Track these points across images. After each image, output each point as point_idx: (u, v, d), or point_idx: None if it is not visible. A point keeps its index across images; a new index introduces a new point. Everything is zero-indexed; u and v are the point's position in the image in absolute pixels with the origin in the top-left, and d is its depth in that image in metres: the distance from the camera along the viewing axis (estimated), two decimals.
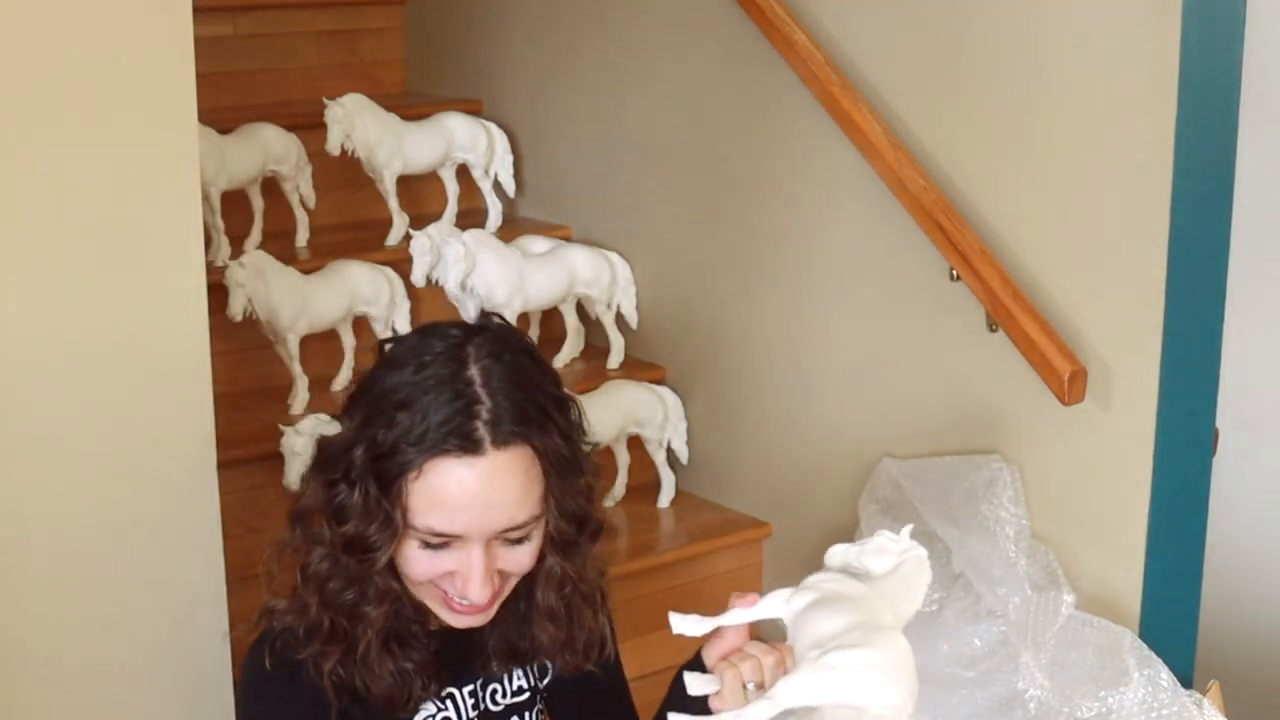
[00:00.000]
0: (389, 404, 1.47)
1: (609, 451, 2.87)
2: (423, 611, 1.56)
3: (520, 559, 1.51)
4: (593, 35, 3.18)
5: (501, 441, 1.45)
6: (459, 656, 1.60)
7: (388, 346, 1.53)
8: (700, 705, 1.42)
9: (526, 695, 1.67)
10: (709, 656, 1.47)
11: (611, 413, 2.82)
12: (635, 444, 2.93)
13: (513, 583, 1.54)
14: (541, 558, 1.54)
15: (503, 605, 1.58)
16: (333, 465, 1.49)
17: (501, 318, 1.58)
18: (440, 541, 1.47)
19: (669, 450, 2.95)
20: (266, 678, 1.52)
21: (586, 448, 1.56)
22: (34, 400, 1.77)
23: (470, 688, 1.63)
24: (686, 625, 1.45)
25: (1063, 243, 2.39)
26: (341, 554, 1.49)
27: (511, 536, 1.49)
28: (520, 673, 1.66)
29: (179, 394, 1.89)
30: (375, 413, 1.48)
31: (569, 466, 1.52)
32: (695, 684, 1.43)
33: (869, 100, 2.58)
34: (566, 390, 1.56)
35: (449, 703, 1.61)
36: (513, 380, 1.48)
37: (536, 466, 1.48)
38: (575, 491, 1.53)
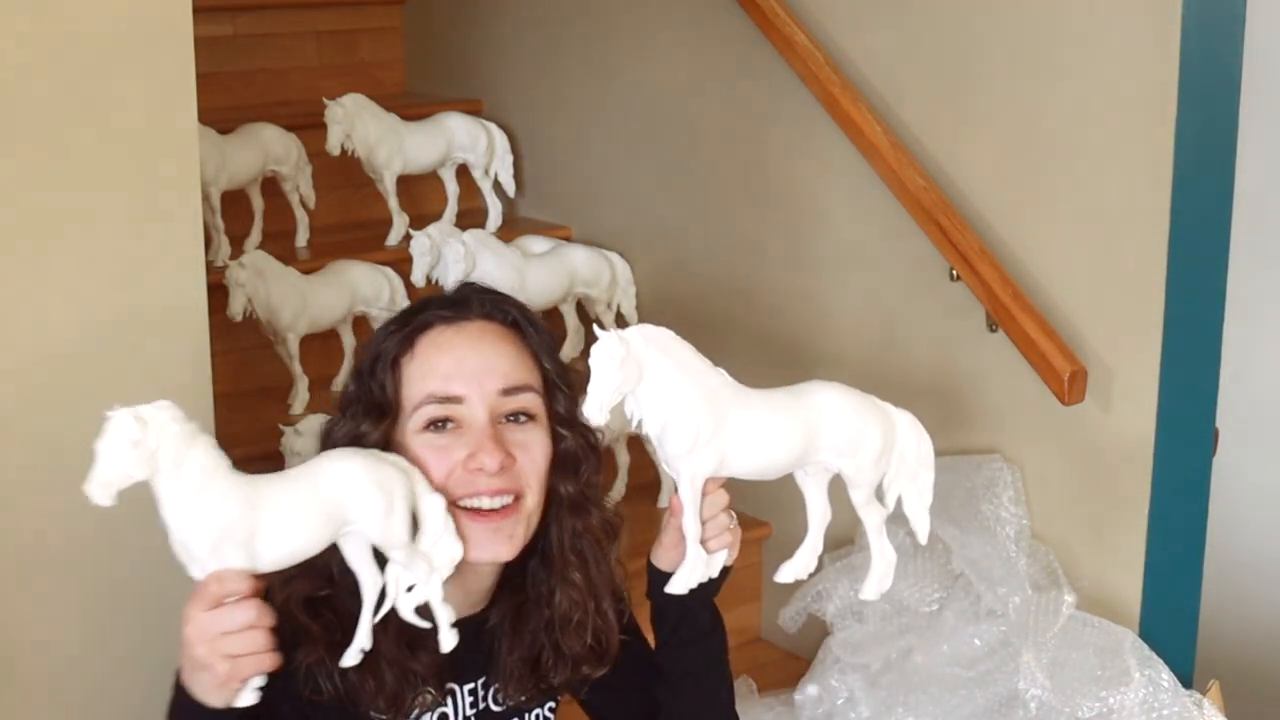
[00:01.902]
0: (385, 327, 1.59)
1: (609, 452, 2.87)
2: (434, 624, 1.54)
3: (526, 442, 1.54)
4: (593, 35, 3.18)
5: (485, 315, 1.57)
6: (464, 652, 1.57)
7: None
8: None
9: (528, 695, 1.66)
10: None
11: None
12: (635, 444, 2.93)
13: (530, 503, 1.54)
14: (557, 537, 1.59)
15: (523, 620, 1.58)
16: (326, 426, 1.60)
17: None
18: (442, 415, 1.51)
19: None
20: None
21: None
22: (34, 400, 1.77)
23: (471, 685, 1.62)
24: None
25: (1063, 243, 2.39)
26: None
27: (512, 406, 1.53)
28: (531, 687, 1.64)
29: (179, 394, 1.89)
30: (367, 347, 1.60)
31: (567, 378, 1.60)
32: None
33: (869, 100, 2.58)
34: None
35: (448, 699, 1.60)
36: (498, 294, 1.63)
37: (525, 344, 1.58)
38: (577, 417, 1.58)
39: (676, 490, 1.53)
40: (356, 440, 1.53)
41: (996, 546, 2.40)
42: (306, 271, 2.84)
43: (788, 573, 1.60)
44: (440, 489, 1.49)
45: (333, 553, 1.46)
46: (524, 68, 3.36)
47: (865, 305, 2.69)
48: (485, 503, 1.51)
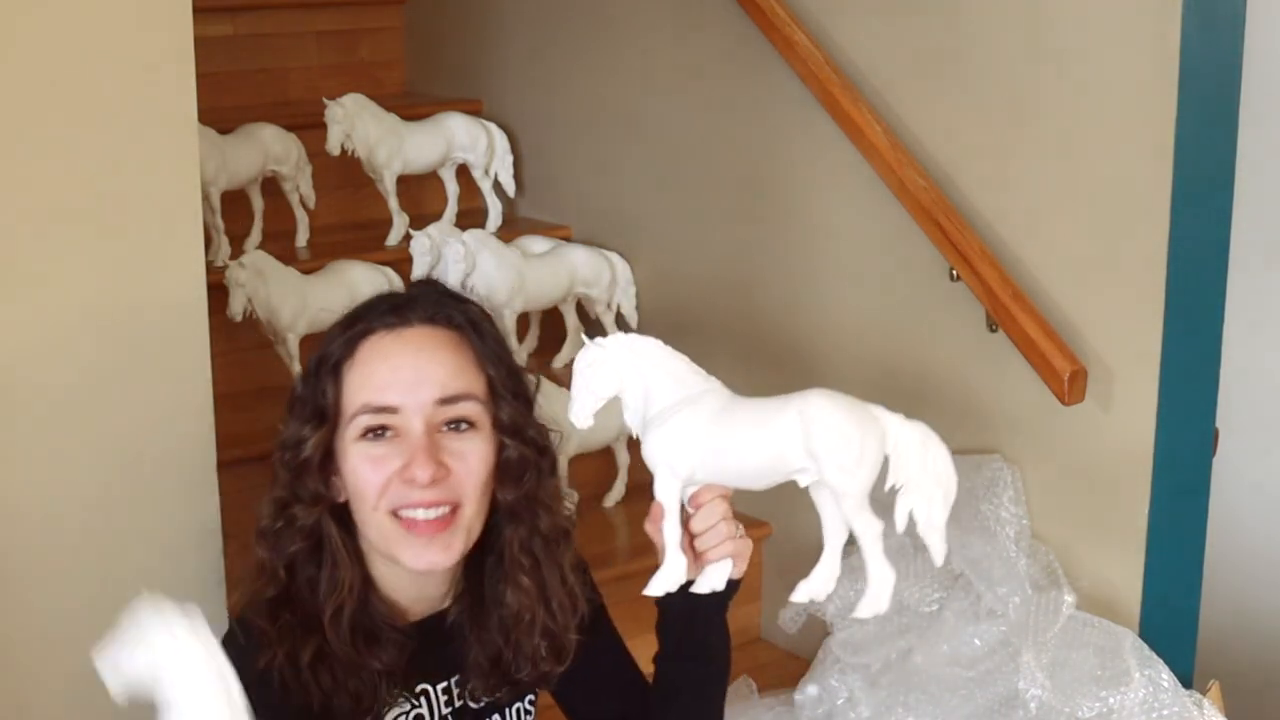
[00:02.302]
0: (334, 327, 1.57)
1: (609, 451, 2.87)
2: (394, 610, 1.55)
3: (464, 452, 1.51)
4: (593, 35, 3.18)
5: (428, 319, 1.54)
6: (434, 650, 1.58)
7: None
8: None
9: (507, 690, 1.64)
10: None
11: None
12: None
13: (468, 512, 1.52)
14: (508, 539, 1.57)
15: (481, 618, 1.57)
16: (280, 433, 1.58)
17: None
18: (378, 424, 1.50)
19: None
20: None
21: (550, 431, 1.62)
22: (34, 400, 1.77)
23: (444, 684, 1.61)
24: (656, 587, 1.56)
25: (1063, 243, 2.39)
26: (278, 470, 1.54)
27: (449, 415, 1.51)
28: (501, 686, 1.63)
29: (179, 394, 1.89)
30: (324, 342, 1.57)
31: (516, 383, 1.57)
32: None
33: (869, 101, 2.58)
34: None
35: (422, 699, 1.59)
36: (445, 291, 1.60)
37: (469, 350, 1.54)
38: (527, 419, 1.57)
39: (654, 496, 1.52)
40: (297, 445, 1.53)
41: (996, 546, 2.39)
42: (306, 271, 2.84)
43: (803, 593, 1.54)
44: (377, 499, 1.50)
45: (279, 552, 1.52)
46: (524, 68, 3.36)
47: (865, 305, 2.69)
48: (420, 514, 1.50)
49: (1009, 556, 2.39)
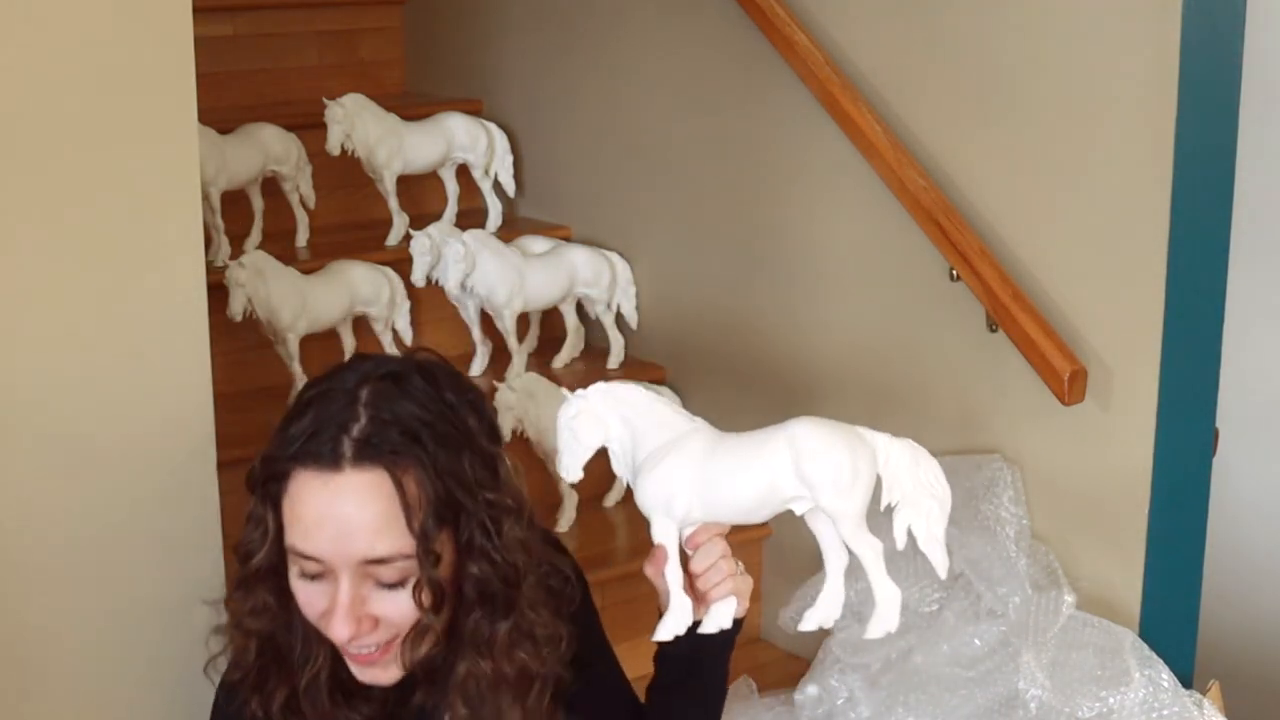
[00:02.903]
0: (290, 414, 1.43)
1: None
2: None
3: (392, 609, 1.40)
4: (593, 35, 3.18)
5: (361, 461, 1.37)
6: (399, 712, 1.51)
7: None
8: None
9: None
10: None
11: None
12: None
13: (405, 640, 1.42)
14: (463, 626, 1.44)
15: (437, 676, 1.47)
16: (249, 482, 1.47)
17: (436, 354, 1.50)
18: (311, 569, 1.39)
19: None
20: None
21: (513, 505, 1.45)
22: (33, 400, 1.77)
23: None
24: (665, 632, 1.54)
25: (1063, 243, 2.39)
26: (240, 568, 1.46)
27: (380, 576, 1.38)
28: None
29: (179, 394, 1.89)
30: (282, 423, 1.43)
31: (459, 511, 1.40)
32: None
33: (869, 100, 2.58)
34: (497, 448, 1.47)
35: None
36: (406, 410, 1.40)
37: (398, 500, 1.37)
38: (487, 548, 1.41)
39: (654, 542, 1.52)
40: (249, 554, 1.44)
41: (996, 546, 2.39)
42: (306, 271, 2.84)
43: (811, 620, 1.56)
44: (317, 624, 1.43)
45: (249, 632, 1.48)
46: (524, 68, 3.36)
47: (865, 305, 2.69)
48: (353, 649, 1.42)
49: (1009, 556, 2.39)
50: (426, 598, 1.39)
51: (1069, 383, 2.32)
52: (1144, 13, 2.24)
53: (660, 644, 1.61)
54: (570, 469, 1.48)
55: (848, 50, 2.64)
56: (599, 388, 1.50)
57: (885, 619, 1.51)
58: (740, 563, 1.54)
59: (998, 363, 2.45)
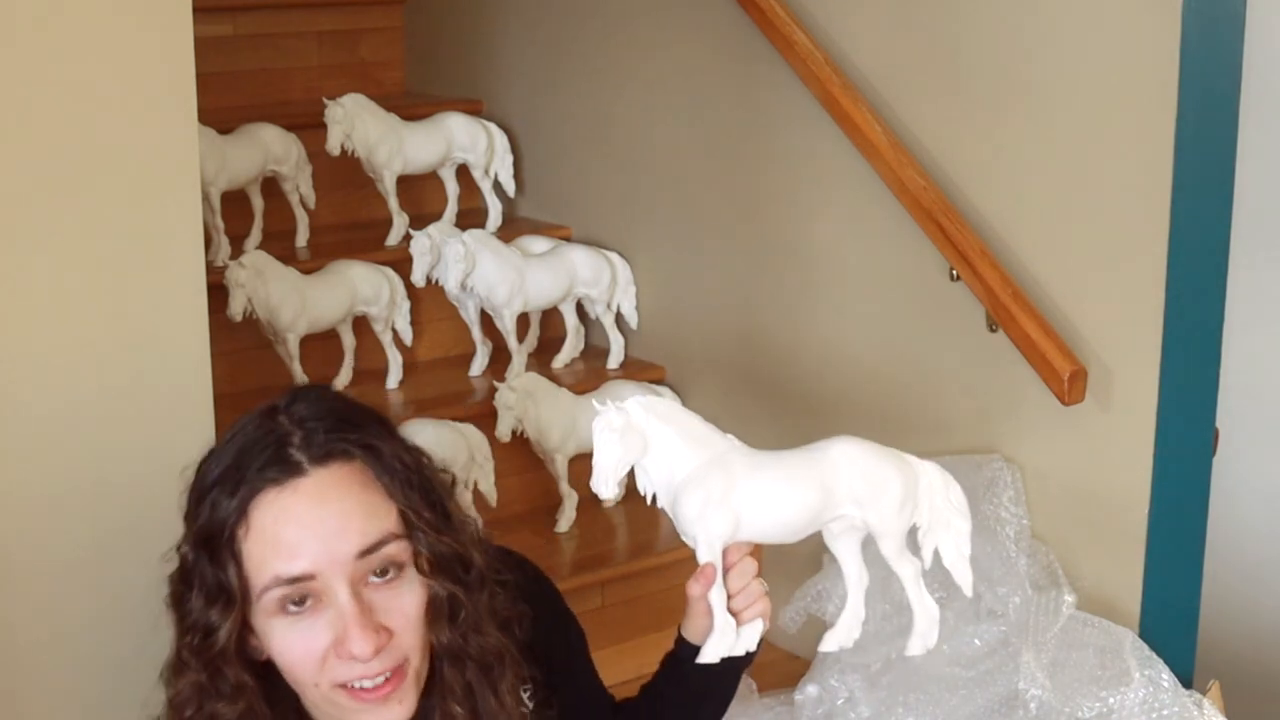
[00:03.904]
0: (204, 482, 1.37)
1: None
2: None
3: (400, 605, 1.35)
4: (593, 35, 3.18)
5: (322, 458, 1.33)
6: None
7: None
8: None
9: None
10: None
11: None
12: None
13: (415, 662, 1.37)
14: (439, 671, 1.40)
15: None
16: (175, 587, 1.39)
17: (325, 388, 1.48)
18: (297, 595, 1.31)
19: None
20: None
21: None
22: (33, 400, 1.77)
23: None
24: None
25: (1063, 243, 2.39)
26: (188, 657, 1.35)
27: (375, 567, 1.33)
28: None
29: (179, 394, 1.89)
30: (195, 497, 1.37)
31: (429, 497, 1.37)
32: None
33: (869, 100, 2.58)
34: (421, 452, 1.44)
35: None
36: (326, 409, 1.39)
37: (376, 483, 1.35)
38: (447, 539, 1.37)
39: (698, 560, 1.49)
40: (207, 633, 1.34)
41: (996, 546, 2.39)
42: (306, 271, 2.84)
43: (831, 642, 1.57)
44: (316, 676, 1.33)
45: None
46: (524, 68, 3.36)
47: (865, 305, 2.69)
48: (367, 683, 1.34)
49: (1009, 556, 2.39)
50: (427, 564, 1.35)
51: (1069, 383, 2.32)
52: (1144, 13, 2.24)
53: (671, 664, 1.60)
54: (609, 484, 1.42)
55: (848, 50, 2.64)
56: (638, 401, 1.45)
57: (927, 636, 1.56)
58: (764, 582, 1.54)
59: (998, 363, 2.45)
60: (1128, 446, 2.34)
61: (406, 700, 1.37)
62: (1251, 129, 2.42)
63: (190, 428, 1.91)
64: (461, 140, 3.18)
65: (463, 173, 3.25)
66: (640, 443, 1.44)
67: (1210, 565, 2.47)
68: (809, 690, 2.49)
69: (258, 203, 3.05)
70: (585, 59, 3.21)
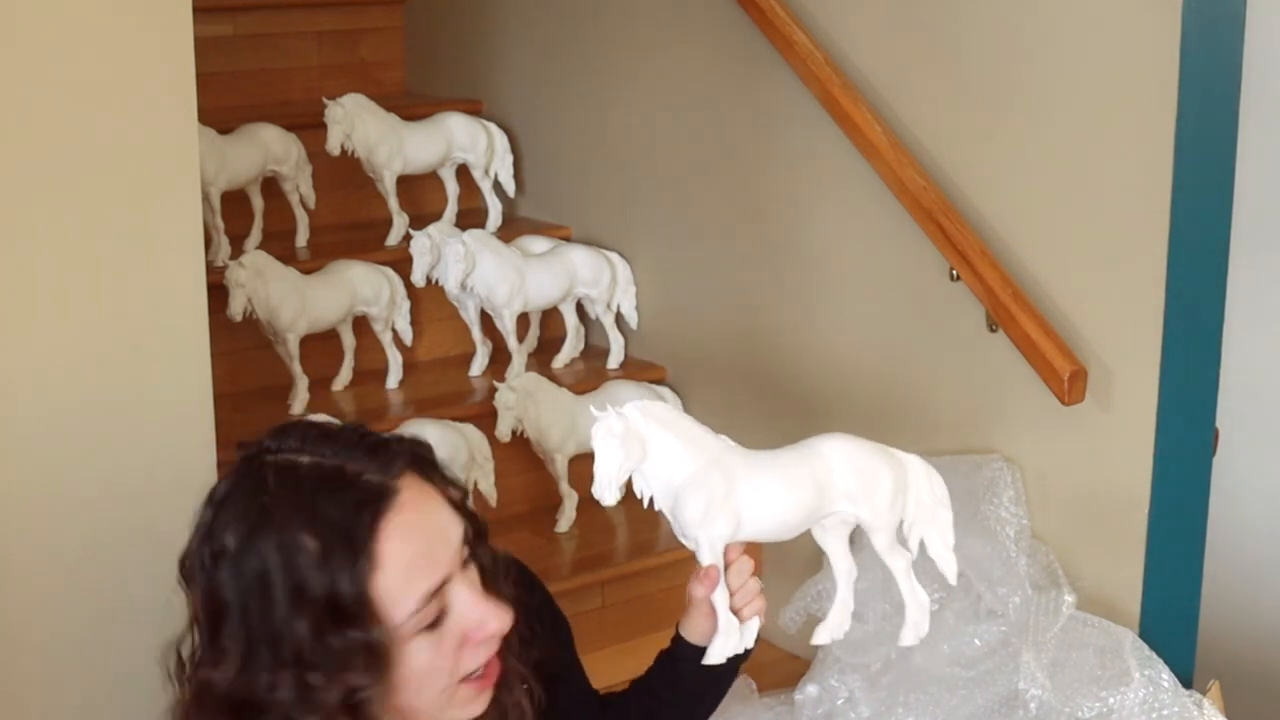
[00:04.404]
0: (268, 579, 1.25)
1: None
2: None
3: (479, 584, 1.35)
4: (593, 35, 3.18)
5: (386, 469, 1.30)
6: None
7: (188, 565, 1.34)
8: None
9: None
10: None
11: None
12: None
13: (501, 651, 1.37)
14: None
15: None
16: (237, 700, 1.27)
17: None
18: (437, 610, 1.29)
19: None
20: None
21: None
22: (33, 400, 1.77)
23: None
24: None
25: (1063, 243, 2.39)
26: None
27: (464, 555, 1.33)
28: None
29: (179, 394, 1.89)
30: (292, 591, 1.25)
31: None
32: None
33: (869, 100, 2.58)
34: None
35: None
36: (320, 433, 1.32)
37: (419, 470, 1.33)
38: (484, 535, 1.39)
39: (699, 562, 1.50)
40: (352, 702, 1.25)
41: (996, 546, 2.39)
42: (306, 271, 2.84)
43: (823, 635, 1.60)
44: (451, 677, 1.32)
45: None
46: (524, 68, 3.36)
47: (864, 305, 2.69)
48: (480, 670, 1.35)
49: (1009, 556, 2.39)
50: (473, 539, 1.34)
51: (1069, 383, 2.32)
52: (1144, 13, 2.24)
53: (666, 662, 1.61)
54: (611, 490, 1.44)
55: (848, 50, 2.64)
56: (636, 406, 1.47)
57: (919, 625, 1.58)
58: (759, 579, 1.57)
59: (998, 363, 2.45)
60: (1128, 446, 2.34)
61: (495, 671, 1.37)
62: (1251, 129, 2.42)
63: (190, 428, 1.91)
64: (461, 140, 3.18)
65: (463, 173, 3.25)
66: (640, 447, 1.46)
67: (1210, 565, 2.47)
68: (809, 690, 2.49)
69: (258, 203, 3.05)
70: (585, 59, 3.21)
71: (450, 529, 1.32)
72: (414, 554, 1.28)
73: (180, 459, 1.90)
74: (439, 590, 1.29)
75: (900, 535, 1.57)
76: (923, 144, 2.54)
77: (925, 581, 2.45)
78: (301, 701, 1.26)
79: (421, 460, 1.34)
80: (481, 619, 1.32)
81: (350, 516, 1.25)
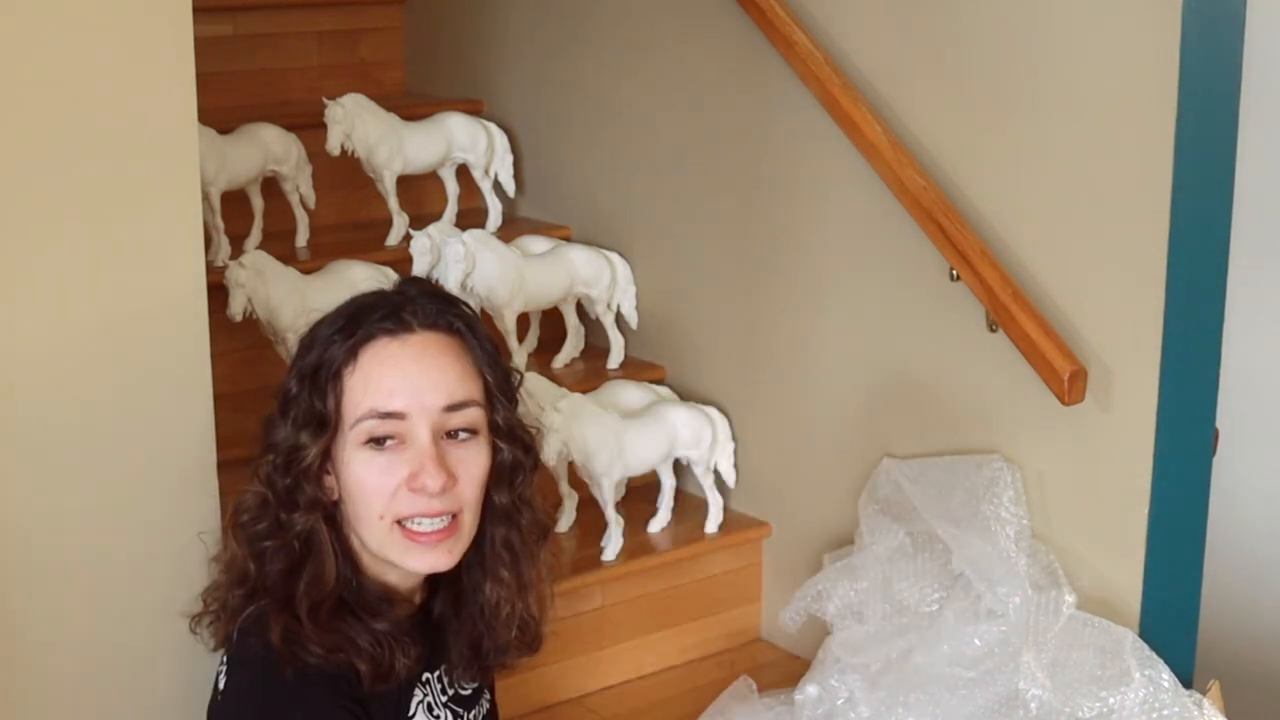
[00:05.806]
0: (317, 332, 1.61)
1: None
2: (386, 598, 1.59)
3: (468, 462, 1.56)
4: (593, 35, 3.18)
5: (430, 325, 1.58)
6: (424, 641, 1.64)
7: None
8: None
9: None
10: None
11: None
12: None
13: (468, 519, 1.57)
14: (490, 536, 1.62)
15: (461, 606, 1.63)
16: (267, 419, 1.62)
17: (431, 281, 1.76)
18: (383, 432, 1.53)
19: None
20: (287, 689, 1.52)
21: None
22: (34, 400, 1.77)
23: (437, 672, 1.67)
24: None
25: (1063, 243, 2.39)
26: (275, 477, 1.56)
27: (454, 424, 1.55)
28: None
29: (179, 394, 1.89)
30: (306, 344, 1.61)
31: (507, 385, 1.62)
32: None
33: (869, 100, 2.58)
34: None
35: (426, 687, 1.64)
36: (434, 292, 1.64)
37: (469, 355, 1.59)
38: (518, 419, 1.63)
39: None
40: (295, 451, 1.56)
41: (996, 546, 2.39)
42: (306, 271, 2.84)
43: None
44: (384, 508, 1.53)
45: (257, 549, 1.59)
46: (524, 68, 3.36)
47: (864, 304, 2.69)
48: (425, 524, 1.55)
49: (1009, 556, 2.38)
50: (502, 428, 1.60)
51: (1069, 383, 2.32)
52: (1144, 13, 2.24)
53: None
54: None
55: (848, 50, 2.64)
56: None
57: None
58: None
59: (998, 363, 2.45)
60: (1128, 446, 2.34)
61: (455, 551, 1.58)
62: (1251, 129, 2.42)
63: (190, 428, 1.91)
64: (461, 140, 3.18)
65: (463, 173, 3.25)
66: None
67: (1210, 565, 2.47)
68: (809, 690, 2.49)
69: (258, 203, 3.04)
70: (585, 59, 3.20)
71: (436, 390, 1.54)
72: (382, 377, 1.54)
73: (180, 459, 1.90)
74: (391, 417, 1.53)
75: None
76: (923, 144, 2.54)
77: (928, 583, 2.48)
78: (269, 445, 1.60)
79: (478, 343, 1.60)
80: (421, 468, 1.52)
81: (366, 326, 1.57)
